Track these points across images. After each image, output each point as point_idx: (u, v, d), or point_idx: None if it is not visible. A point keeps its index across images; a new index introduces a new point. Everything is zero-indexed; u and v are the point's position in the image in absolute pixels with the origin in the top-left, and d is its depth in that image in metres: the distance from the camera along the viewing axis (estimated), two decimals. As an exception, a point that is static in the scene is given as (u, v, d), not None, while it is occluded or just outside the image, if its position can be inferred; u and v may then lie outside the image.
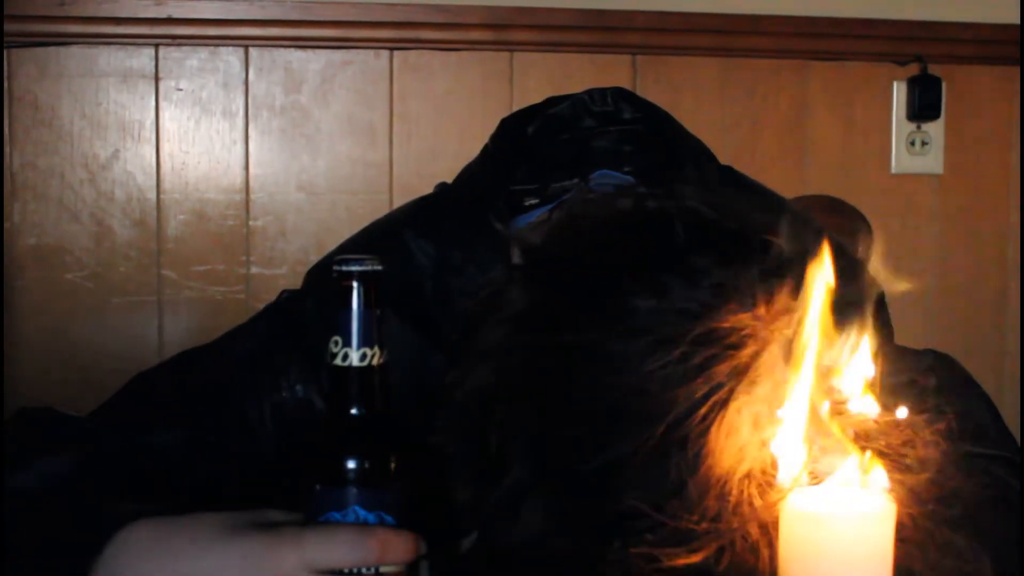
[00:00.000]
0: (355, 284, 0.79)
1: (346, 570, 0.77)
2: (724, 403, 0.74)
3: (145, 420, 0.97)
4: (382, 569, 0.78)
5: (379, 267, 0.80)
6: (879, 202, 1.90)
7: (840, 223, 1.43)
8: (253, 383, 0.98)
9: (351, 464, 0.78)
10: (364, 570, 0.77)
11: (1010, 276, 1.99)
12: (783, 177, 1.90)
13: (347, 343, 0.79)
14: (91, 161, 1.76)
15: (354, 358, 0.79)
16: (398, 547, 0.76)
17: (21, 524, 0.82)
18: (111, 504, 0.81)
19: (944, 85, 1.93)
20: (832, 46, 1.90)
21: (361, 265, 0.79)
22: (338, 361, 0.79)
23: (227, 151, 1.78)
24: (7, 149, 1.74)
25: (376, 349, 0.79)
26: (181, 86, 1.76)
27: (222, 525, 0.76)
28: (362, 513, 0.78)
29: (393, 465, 0.80)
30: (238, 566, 0.73)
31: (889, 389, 0.79)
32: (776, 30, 1.86)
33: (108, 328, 1.77)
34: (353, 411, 0.80)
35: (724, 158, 1.86)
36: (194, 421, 0.97)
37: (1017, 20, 1.87)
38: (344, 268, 0.79)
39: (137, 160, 1.76)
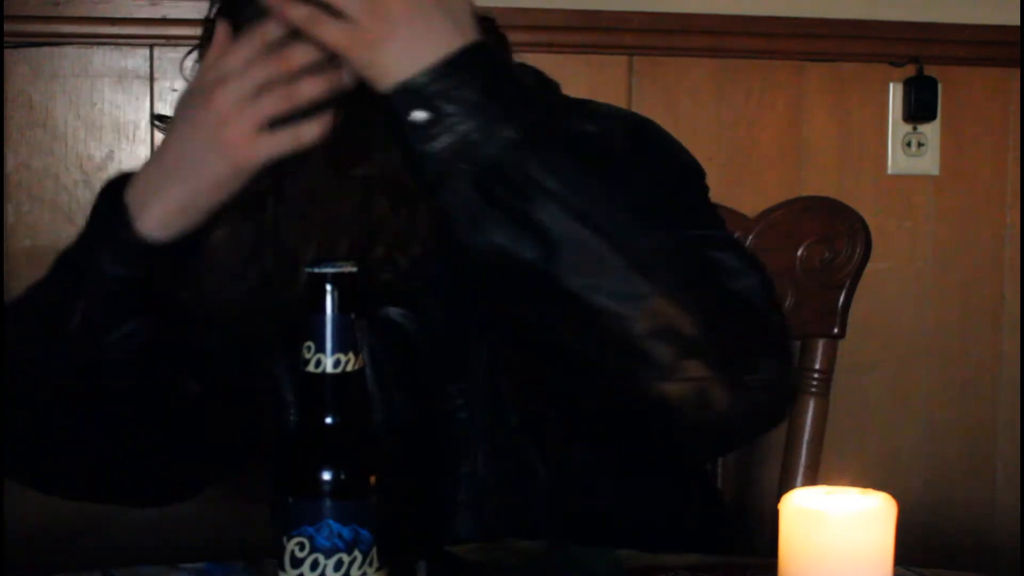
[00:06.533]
0: (328, 287, 0.76)
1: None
2: None
3: None
4: (367, 571, 0.76)
5: (354, 269, 0.77)
6: (875, 203, 1.90)
7: (837, 224, 1.43)
8: None
9: (324, 476, 0.76)
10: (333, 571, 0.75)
11: (1007, 277, 1.99)
12: (780, 178, 1.90)
13: (320, 349, 0.76)
14: (86, 162, 1.76)
15: (327, 364, 0.76)
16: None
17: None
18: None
19: (940, 86, 1.93)
20: (828, 47, 1.90)
21: (335, 267, 0.76)
22: (311, 367, 0.76)
23: (222, 152, 1.77)
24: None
25: (351, 355, 0.76)
26: (176, 87, 1.75)
27: None
28: (336, 527, 0.75)
29: (368, 477, 0.77)
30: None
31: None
32: (772, 31, 1.86)
33: (103, 329, 1.76)
34: (326, 420, 0.77)
35: (721, 159, 1.86)
36: None
37: (1012, 21, 1.87)
38: (317, 270, 0.76)
39: (132, 161, 1.75)
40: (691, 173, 1.14)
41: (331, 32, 0.91)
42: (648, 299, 0.91)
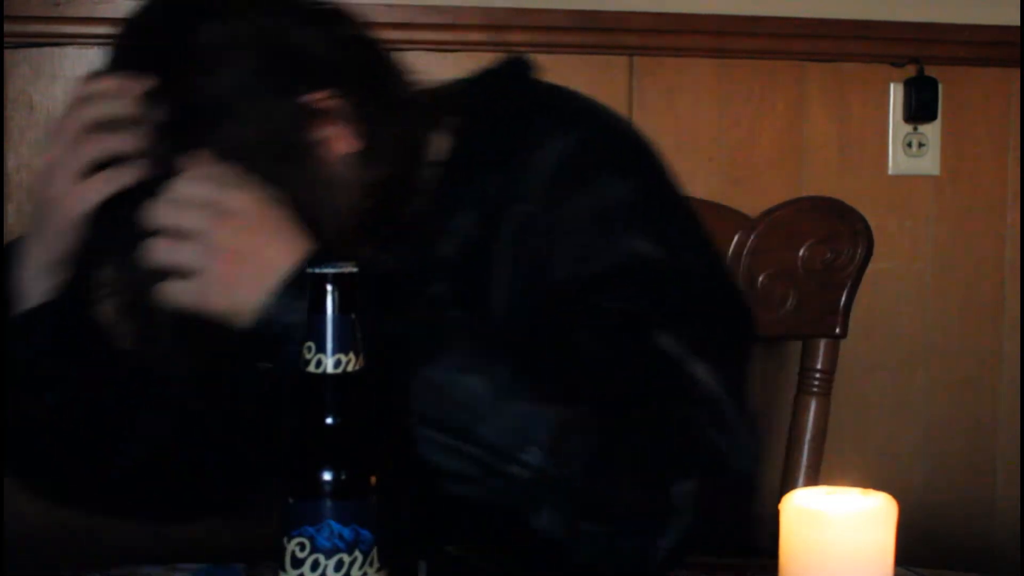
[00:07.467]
0: (329, 287, 0.76)
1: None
2: None
3: None
4: (368, 571, 0.76)
5: (354, 269, 0.76)
6: (876, 203, 1.90)
7: (838, 225, 1.43)
8: None
9: (325, 476, 0.76)
10: (334, 571, 0.75)
11: (1007, 277, 1.99)
12: (781, 179, 1.90)
13: (320, 349, 0.76)
14: (86, 162, 1.75)
15: (328, 365, 0.76)
16: None
17: None
18: None
19: (941, 87, 1.93)
20: (829, 47, 1.90)
21: (335, 267, 0.76)
22: (311, 368, 0.76)
23: (223, 152, 1.77)
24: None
25: (352, 355, 0.76)
26: (177, 87, 1.75)
27: None
28: (336, 527, 0.75)
29: (368, 477, 0.77)
30: None
31: None
32: (773, 31, 1.86)
33: (103, 330, 1.76)
34: (326, 420, 0.77)
35: (721, 159, 1.85)
36: None
37: (1012, 21, 1.87)
38: (317, 270, 0.76)
39: (133, 161, 1.75)
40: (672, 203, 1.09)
41: (178, 292, 0.95)
42: (521, 474, 0.90)
